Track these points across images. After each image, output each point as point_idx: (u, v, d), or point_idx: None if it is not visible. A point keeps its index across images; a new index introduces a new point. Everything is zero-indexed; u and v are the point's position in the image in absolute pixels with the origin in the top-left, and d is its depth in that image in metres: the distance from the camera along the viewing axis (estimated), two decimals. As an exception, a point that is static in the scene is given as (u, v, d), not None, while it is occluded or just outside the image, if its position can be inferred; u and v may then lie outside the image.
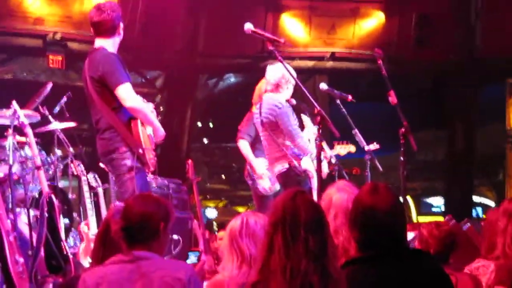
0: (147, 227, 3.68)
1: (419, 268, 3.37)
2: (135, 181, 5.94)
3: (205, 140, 18.00)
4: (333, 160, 7.20)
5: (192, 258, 8.93)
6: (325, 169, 7.24)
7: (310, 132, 7.27)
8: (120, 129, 5.97)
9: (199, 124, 17.11)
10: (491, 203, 18.23)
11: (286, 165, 7.05)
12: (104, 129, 6.03)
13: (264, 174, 7.63)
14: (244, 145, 7.86)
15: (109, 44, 6.19)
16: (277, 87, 7.12)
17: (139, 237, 3.66)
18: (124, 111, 6.01)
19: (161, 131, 6.17)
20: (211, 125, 17.89)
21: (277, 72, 7.16)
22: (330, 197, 4.44)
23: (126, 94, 5.98)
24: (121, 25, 6.26)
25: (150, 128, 6.16)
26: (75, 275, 4.53)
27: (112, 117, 6.00)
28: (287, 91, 7.20)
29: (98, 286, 3.54)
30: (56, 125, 8.40)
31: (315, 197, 5.34)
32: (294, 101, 7.25)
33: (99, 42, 6.23)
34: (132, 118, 6.01)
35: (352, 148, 7.62)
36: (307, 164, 6.98)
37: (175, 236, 6.89)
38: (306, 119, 7.39)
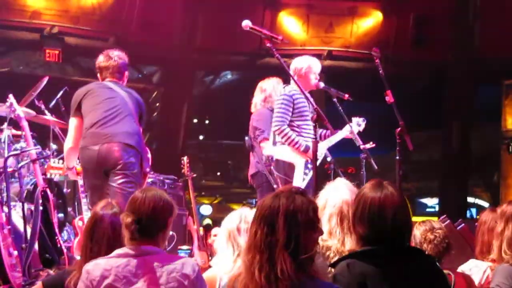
0: (157, 221, 3.71)
1: (419, 266, 3.37)
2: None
3: (201, 137, 17.99)
4: (329, 159, 7.17)
5: (182, 255, 8.92)
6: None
7: (346, 129, 7.18)
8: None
9: (195, 120, 17.11)
10: (486, 204, 18.25)
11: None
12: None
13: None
14: (270, 146, 7.63)
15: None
16: (299, 76, 7.06)
17: (149, 230, 3.68)
18: None
19: None
20: (207, 121, 17.89)
21: (297, 62, 7.14)
22: (326, 198, 4.42)
23: None
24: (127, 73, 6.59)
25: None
26: (66, 269, 4.52)
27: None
28: (310, 80, 7.13)
29: (104, 279, 3.54)
30: (51, 119, 8.39)
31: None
32: (322, 85, 7.17)
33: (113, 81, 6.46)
34: None
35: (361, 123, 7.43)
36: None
37: (170, 232, 6.88)
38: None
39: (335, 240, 4.24)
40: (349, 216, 4.14)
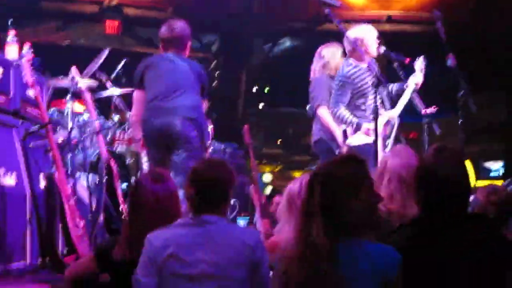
0: (218, 192, 3.73)
1: (481, 233, 3.32)
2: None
3: (261, 105, 17.99)
4: (393, 123, 7.10)
5: (240, 223, 8.97)
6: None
7: (411, 81, 7.09)
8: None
9: (255, 88, 17.10)
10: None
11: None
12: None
13: (341, 144, 7.39)
14: (325, 112, 7.61)
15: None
16: (353, 50, 7.00)
17: (210, 201, 3.70)
18: None
19: None
20: (266, 89, 17.86)
21: (351, 35, 7.02)
22: (385, 161, 4.41)
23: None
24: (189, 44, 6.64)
25: None
26: (113, 238, 4.54)
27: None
28: (369, 49, 7.05)
29: (166, 248, 3.56)
30: (113, 91, 8.48)
31: None
32: (382, 49, 7.07)
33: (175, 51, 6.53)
34: None
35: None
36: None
37: (231, 200, 6.92)
38: (418, 64, 7.15)
39: (396, 204, 4.22)
40: (409, 180, 4.13)
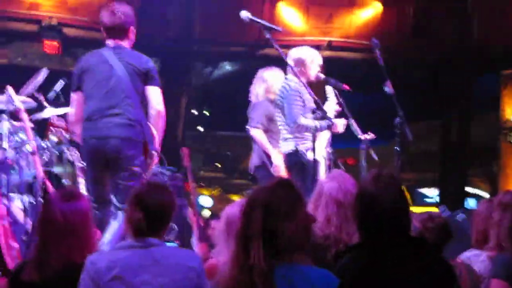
0: (163, 216, 3.72)
1: (422, 257, 3.38)
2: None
3: (200, 128, 17.98)
4: (329, 150, 7.17)
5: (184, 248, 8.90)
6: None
7: (330, 106, 7.11)
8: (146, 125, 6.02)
9: (195, 112, 17.10)
10: (485, 194, 18.27)
11: (293, 148, 6.96)
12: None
13: (281, 166, 7.40)
14: (259, 134, 7.63)
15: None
16: (295, 68, 7.04)
17: (155, 224, 3.68)
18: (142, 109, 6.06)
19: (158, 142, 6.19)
20: (206, 113, 17.88)
21: (296, 53, 7.10)
22: (322, 186, 4.46)
23: (161, 98, 6.13)
24: (132, 29, 6.26)
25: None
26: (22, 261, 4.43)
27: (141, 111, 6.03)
28: (310, 71, 7.09)
29: (110, 270, 3.52)
30: (51, 111, 8.38)
31: None
32: (322, 76, 7.12)
33: (117, 43, 6.18)
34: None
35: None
36: (317, 149, 6.78)
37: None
38: (330, 91, 7.20)
39: (332, 227, 4.27)
40: (345, 204, 4.23)
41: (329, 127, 6.75)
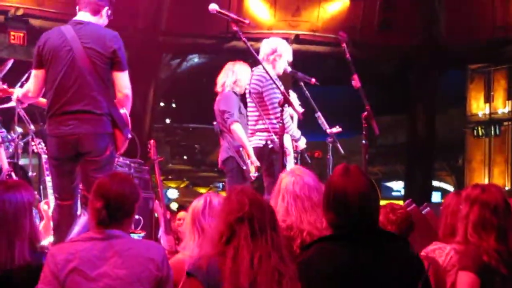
0: (125, 207, 3.69)
1: (391, 249, 3.42)
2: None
3: (168, 120, 17.94)
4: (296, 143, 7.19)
5: (146, 240, 8.87)
6: (302, 144, 7.21)
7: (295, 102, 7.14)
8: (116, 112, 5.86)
9: (162, 104, 17.05)
10: (451, 188, 18.46)
11: (263, 142, 7.01)
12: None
13: (256, 161, 7.39)
14: (239, 128, 7.59)
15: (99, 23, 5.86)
16: (268, 60, 7.06)
17: (116, 216, 3.65)
18: (112, 94, 5.93)
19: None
20: (173, 105, 17.84)
21: (268, 45, 7.13)
22: (280, 180, 4.52)
23: (128, 81, 5.94)
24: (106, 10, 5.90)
25: None
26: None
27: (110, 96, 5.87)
28: (279, 64, 7.12)
29: (69, 263, 3.50)
30: (16, 102, 8.30)
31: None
32: (289, 69, 7.14)
33: (86, 17, 5.81)
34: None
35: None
36: (286, 141, 6.83)
37: (136, 216, 6.85)
38: (293, 94, 7.26)
39: (292, 217, 4.32)
40: (301, 196, 4.34)
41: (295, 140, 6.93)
